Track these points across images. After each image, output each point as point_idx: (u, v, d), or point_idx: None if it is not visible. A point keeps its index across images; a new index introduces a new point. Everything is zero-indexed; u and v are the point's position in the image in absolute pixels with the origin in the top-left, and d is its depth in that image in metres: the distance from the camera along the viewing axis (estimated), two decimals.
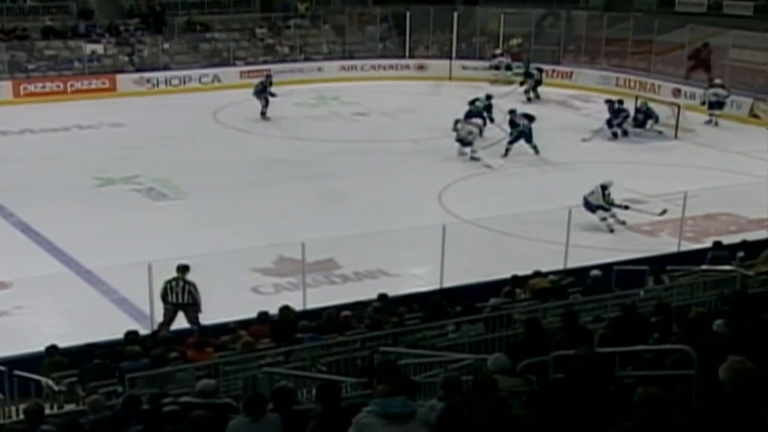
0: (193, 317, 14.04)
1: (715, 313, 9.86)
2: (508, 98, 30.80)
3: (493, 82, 34.67)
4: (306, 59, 36.09)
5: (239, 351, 11.44)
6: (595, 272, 14.34)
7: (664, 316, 9.25)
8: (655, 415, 5.31)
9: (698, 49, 33.02)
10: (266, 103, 28.85)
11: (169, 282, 14.04)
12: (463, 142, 24.65)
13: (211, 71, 34.02)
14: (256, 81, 30.15)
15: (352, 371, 10.63)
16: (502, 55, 35.55)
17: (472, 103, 27.53)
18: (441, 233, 15.19)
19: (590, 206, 19.19)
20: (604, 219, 19.19)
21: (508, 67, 35.11)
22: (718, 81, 29.68)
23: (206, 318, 13.98)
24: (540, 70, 33.20)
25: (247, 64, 34.93)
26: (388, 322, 12.61)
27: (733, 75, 31.29)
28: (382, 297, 13.73)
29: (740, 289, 11.48)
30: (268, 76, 29.81)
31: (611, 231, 19.07)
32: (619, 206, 19.28)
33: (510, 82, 34.02)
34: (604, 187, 19.19)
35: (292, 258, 15.88)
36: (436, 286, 15.10)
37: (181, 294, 14.04)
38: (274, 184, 22.25)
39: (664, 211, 19.14)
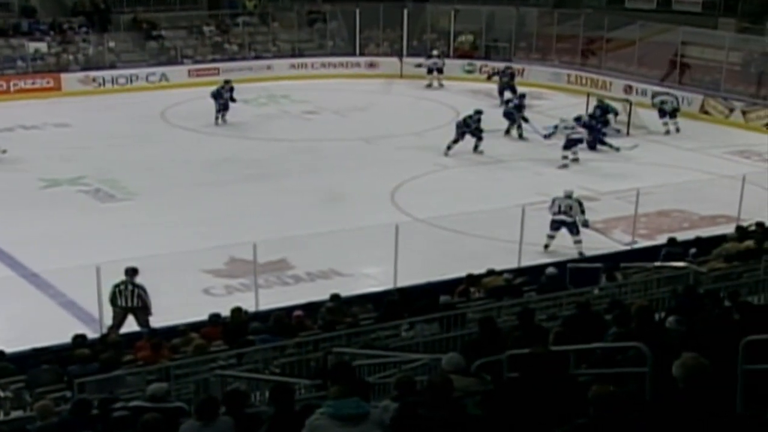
0: (143, 320, 13.96)
1: (668, 309, 10.02)
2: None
3: (429, 86, 34.18)
4: (255, 57, 35.93)
5: (191, 354, 11.38)
6: (550, 270, 14.45)
7: (619, 314, 9.35)
8: (608, 412, 5.38)
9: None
10: (220, 108, 28.22)
11: (117, 286, 13.95)
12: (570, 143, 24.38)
13: (159, 70, 33.75)
14: (207, 80, 29.88)
15: (306, 373, 10.63)
16: (438, 57, 34.69)
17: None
18: (394, 232, 15.25)
19: (569, 224, 17.84)
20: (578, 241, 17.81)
21: (440, 70, 34.27)
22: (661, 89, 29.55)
23: (157, 321, 13.90)
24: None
25: (196, 62, 34.72)
26: (341, 322, 12.64)
27: (683, 71, 31.73)
28: (335, 297, 13.75)
29: (690, 285, 11.63)
30: (228, 82, 28.92)
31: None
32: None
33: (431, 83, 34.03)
34: (580, 203, 17.85)
35: (244, 259, 15.82)
36: (389, 286, 15.14)
37: (130, 298, 13.95)
38: (224, 185, 22.13)
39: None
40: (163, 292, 14.35)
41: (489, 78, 32.30)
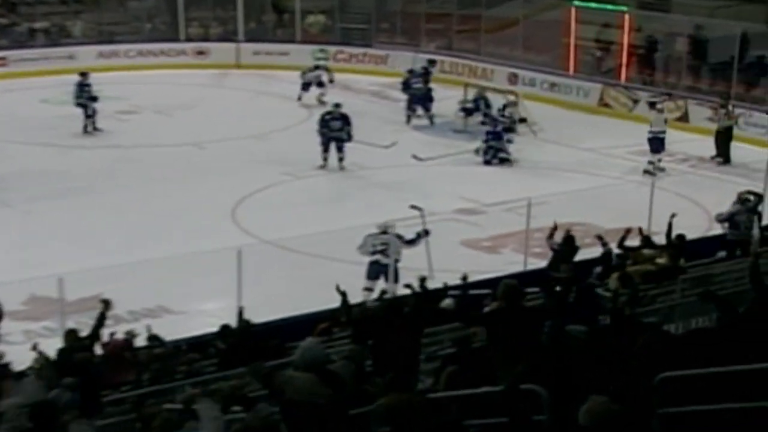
0: None
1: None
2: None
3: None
4: (52, 44, 35.38)
5: None
6: (447, 302, 14.56)
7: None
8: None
9: None
10: (93, 111, 27.65)
11: None
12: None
13: None
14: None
15: None
16: (325, 68, 32.32)
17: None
18: (236, 258, 15.22)
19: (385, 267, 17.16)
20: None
21: (321, 84, 31.58)
22: (512, 97, 28.51)
23: None
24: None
25: None
26: (173, 371, 12.57)
27: (578, 56, 32.53)
28: (153, 338, 13.68)
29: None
30: (84, 75, 28.07)
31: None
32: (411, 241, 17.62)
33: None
34: (400, 237, 17.43)
35: (48, 296, 15.55)
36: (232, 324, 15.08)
37: None
38: (18, 204, 21.77)
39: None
40: None
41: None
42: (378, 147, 24.99)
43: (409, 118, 29.27)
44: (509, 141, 25.95)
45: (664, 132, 25.11)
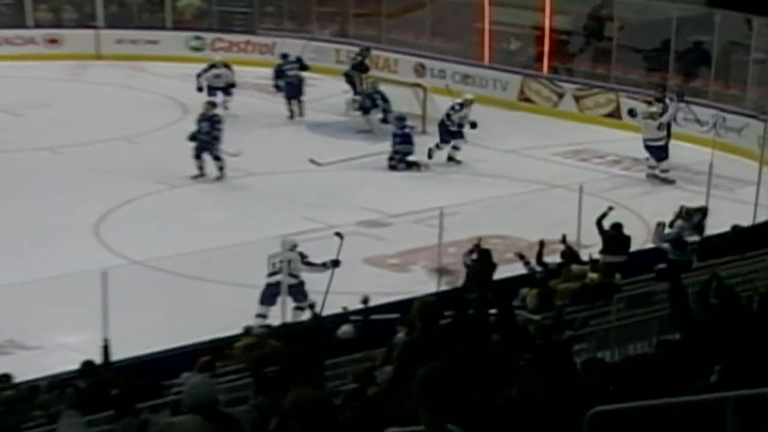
0: None
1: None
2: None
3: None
4: None
5: None
6: (345, 330, 14.59)
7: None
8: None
9: None
10: None
11: None
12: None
13: None
14: None
15: None
16: (224, 64, 30.61)
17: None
18: (101, 282, 15.13)
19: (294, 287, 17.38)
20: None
21: (227, 89, 29.92)
22: (469, 96, 27.66)
23: None
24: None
25: None
26: (26, 417, 12.48)
27: (493, 43, 32.77)
28: (1, 378, 13.54)
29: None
30: None
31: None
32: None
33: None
34: (303, 255, 17.53)
35: None
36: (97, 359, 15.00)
37: None
38: None
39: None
40: None
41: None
42: (227, 154, 24.61)
43: (292, 113, 29.33)
44: (456, 147, 26.11)
45: (659, 139, 25.06)
